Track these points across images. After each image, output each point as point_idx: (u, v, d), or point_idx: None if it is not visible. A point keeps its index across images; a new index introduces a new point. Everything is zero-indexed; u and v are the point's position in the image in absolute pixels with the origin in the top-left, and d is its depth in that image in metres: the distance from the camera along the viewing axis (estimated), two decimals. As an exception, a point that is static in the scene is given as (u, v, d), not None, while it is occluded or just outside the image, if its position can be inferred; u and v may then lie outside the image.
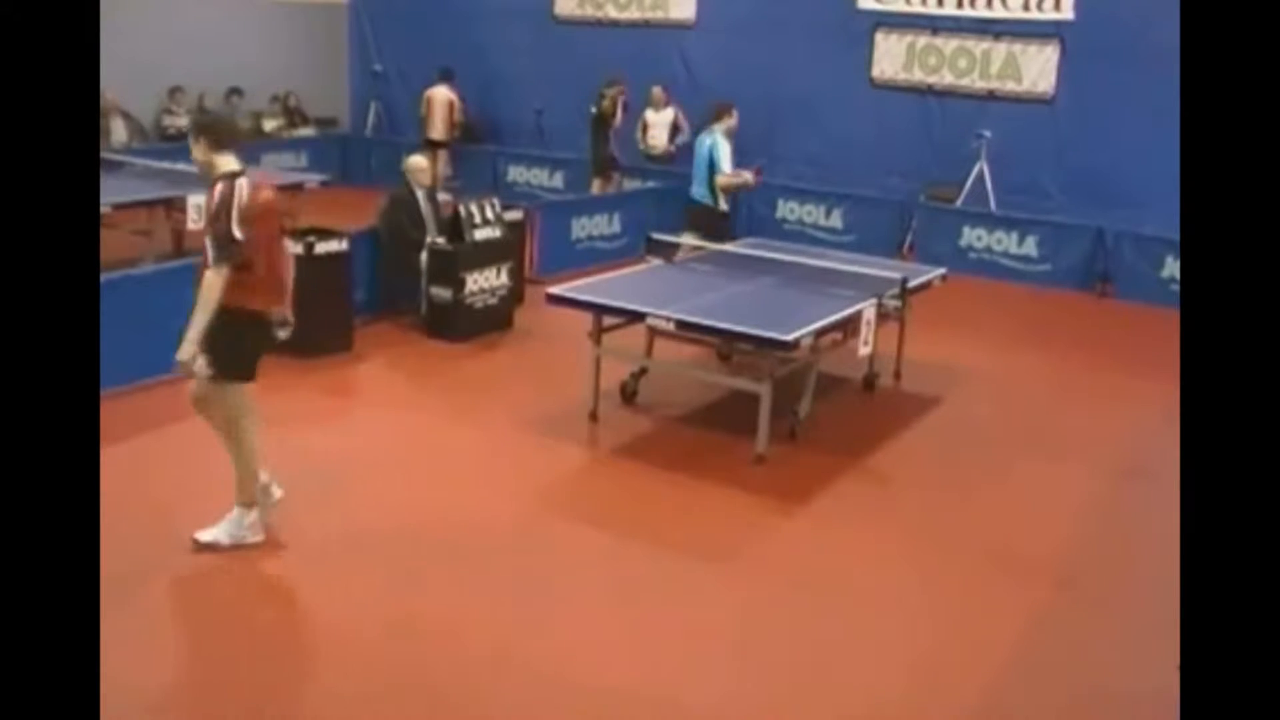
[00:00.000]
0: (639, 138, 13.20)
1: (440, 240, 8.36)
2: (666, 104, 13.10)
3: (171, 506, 5.26)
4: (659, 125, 13.15)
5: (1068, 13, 11.56)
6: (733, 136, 8.76)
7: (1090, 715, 4.15)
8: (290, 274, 5.19)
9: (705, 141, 8.75)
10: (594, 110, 12.49)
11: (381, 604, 4.58)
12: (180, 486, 5.53)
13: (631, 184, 12.90)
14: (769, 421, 6.17)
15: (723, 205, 8.72)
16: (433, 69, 14.09)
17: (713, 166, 8.60)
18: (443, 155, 13.62)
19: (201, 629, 4.49)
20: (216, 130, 4.83)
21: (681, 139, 13.21)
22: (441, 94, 13.76)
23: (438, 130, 13.75)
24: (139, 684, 3.89)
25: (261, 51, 14.95)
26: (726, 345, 7.37)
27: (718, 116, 8.76)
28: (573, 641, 4.41)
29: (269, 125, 15.15)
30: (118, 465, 4.69)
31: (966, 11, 12.12)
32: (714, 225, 8.79)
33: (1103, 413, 7.48)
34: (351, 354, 7.81)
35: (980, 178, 11.83)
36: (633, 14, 14.22)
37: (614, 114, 12.58)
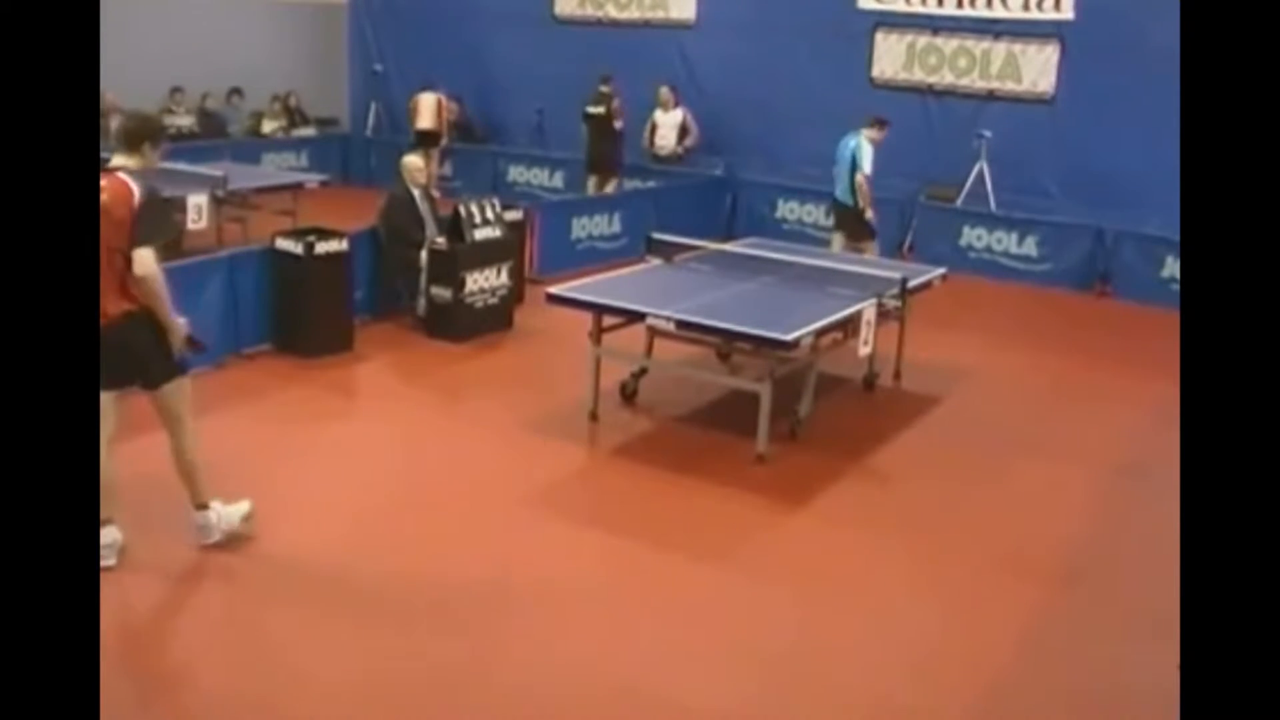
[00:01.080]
0: (646, 138, 13.15)
1: (440, 240, 8.37)
2: (675, 105, 13.04)
3: (171, 507, 5.26)
4: (667, 126, 13.06)
5: (1068, 13, 11.55)
6: (876, 146, 9.43)
7: (1092, 713, 4.15)
8: (111, 293, 4.40)
9: (850, 144, 9.44)
10: (601, 110, 12.40)
11: (378, 603, 4.59)
12: (180, 487, 5.53)
13: (631, 184, 12.88)
14: (769, 421, 6.17)
15: (860, 205, 9.46)
16: (432, 69, 14.10)
17: (854, 166, 9.30)
18: (435, 154, 13.57)
19: (198, 632, 4.49)
20: (122, 128, 4.79)
21: (689, 141, 13.16)
22: (428, 96, 13.74)
23: (426, 121, 13.66)
24: (135, 686, 3.90)
25: (261, 51, 14.95)
26: (726, 345, 7.37)
27: (868, 124, 9.46)
28: (571, 641, 4.41)
29: (269, 125, 15.15)
30: (118, 465, 4.69)
31: (966, 11, 12.12)
32: (858, 226, 9.59)
33: (1103, 412, 7.48)
34: (352, 354, 7.81)
35: (980, 178, 11.83)
36: (633, 14, 14.21)
37: (620, 112, 12.52)
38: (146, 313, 4.54)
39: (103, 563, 4.45)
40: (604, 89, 12.42)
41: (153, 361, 4.64)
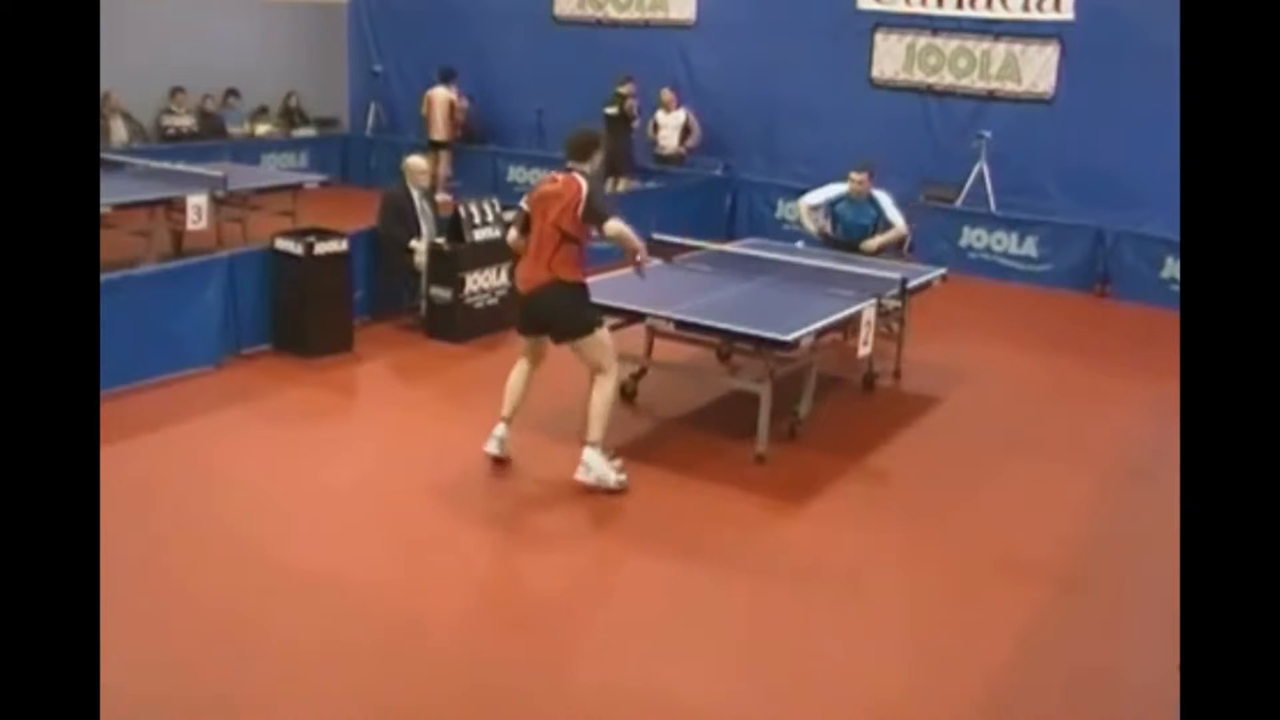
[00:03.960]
0: (651, 139, 13.20)
1: (440, 240, 8.36)
2: (677, 106, 13.12)
3: (170, 507, 5.27)
4: (669, 127, 13.18)
5: (1068, 13, 11.56)
6: None
7: (1091, 713, 4.15)
8: (541, 263, 5.67)
9: None
10: (616, 110, 12.48)
11: (376, 602, 4.59)
12: (180, 487, 5.54)
13: (631, 184, 12.89)
14: (769, 421, 6.17)
15: None
16: (433, 69, 14.09)
17: None
18: (444, 156, 13.62)
19: (196, 631, 4.49)
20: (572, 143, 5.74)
21: (691, 142, 13.20)
22: (440, 94, 13.77)
23: (439, 131, 13.76)
24: (135, 687, 3.89)
25: (261, 51, 14.95)
26: (726, 345, 7.37)
27: None
28: (570, 640, 4.41)
29: (267, 125, 15.16)
30: (118, 465, 4.69)
31: (966, 12, 12.12)
32: None
33: (1102, 413, 7.48)
34: (351, 354, 7.80)
35: (980, 178, 11.83)
36: (633, 14, 14.22)
37: (634, 114, 12.62)
38: (565, 284, 5.62)
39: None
40: (620, 90, 12.50)
41: (560, 322, 5.72)
